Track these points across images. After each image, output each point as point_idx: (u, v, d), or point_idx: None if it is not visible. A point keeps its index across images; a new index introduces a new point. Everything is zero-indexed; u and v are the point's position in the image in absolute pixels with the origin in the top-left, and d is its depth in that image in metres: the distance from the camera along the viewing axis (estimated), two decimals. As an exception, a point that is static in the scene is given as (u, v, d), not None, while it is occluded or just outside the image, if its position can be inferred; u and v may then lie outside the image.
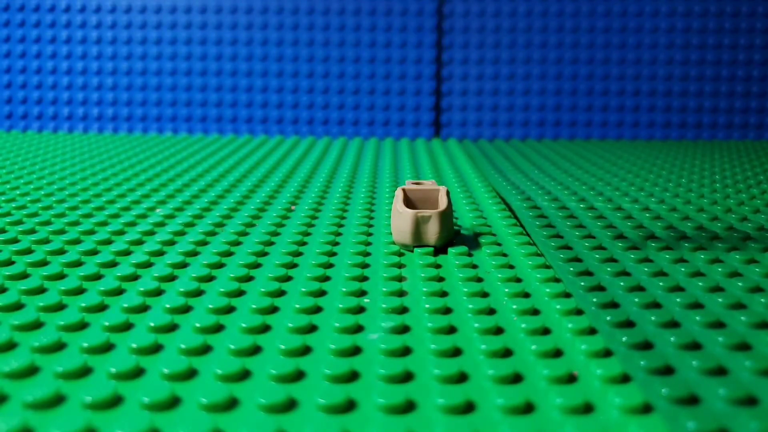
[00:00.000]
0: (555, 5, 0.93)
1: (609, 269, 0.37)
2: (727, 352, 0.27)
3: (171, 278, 0.36)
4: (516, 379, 0.25)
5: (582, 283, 0.35)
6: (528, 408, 0.23)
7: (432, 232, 0.40)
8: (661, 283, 0.35)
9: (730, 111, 0.94)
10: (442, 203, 0.42)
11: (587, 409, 0.23)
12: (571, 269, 0.37)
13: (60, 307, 0.31)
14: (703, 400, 0.24)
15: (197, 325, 0.29)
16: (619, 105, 0.94)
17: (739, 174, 0.68)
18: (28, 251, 0.40)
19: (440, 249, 0.41)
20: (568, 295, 0.33)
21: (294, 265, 0.38)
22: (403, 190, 0.43)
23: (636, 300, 0.32)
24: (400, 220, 0.40)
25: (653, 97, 0.94)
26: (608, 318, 0.30)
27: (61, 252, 0.40)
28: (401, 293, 0.34)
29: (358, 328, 0.30)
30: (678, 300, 0.32)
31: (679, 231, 0.45)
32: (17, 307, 0.31)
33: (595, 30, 0.93)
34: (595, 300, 0.32)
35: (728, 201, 0.56)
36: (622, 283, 0.35)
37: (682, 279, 0.36)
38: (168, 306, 0.31)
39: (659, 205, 0.53)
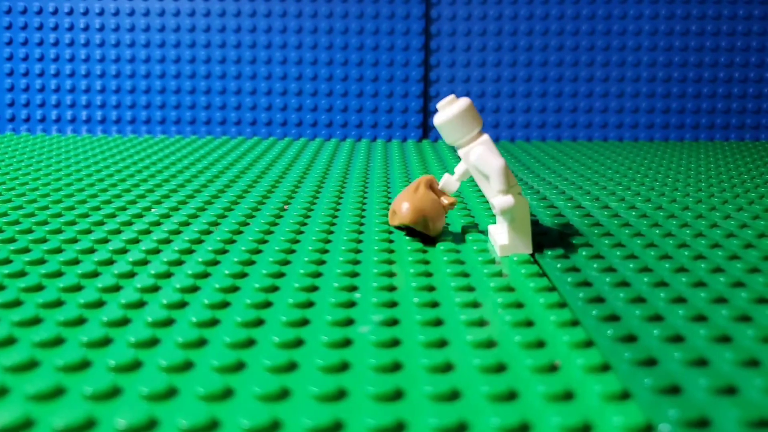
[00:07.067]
0: (540, 8, 0.94)
1: (608, 280, 0.36)
2: (735, 369, 0.27)
3: (167, 275, 0.36)
4: (500, 368, 0.26)
5: (571, 280, 0.35)
6: (511, 395, 0.24)
7: (405, 209, 0.41)
8: (662, 294, 0.34)
9: (741, 112, 0.95)
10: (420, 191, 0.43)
11: (568, 396, 0.24)
12: (558, 266, 0.38)
13: (59, 303, 0.32)
14: (713, 420, 0.23)
15: (193, 319, 0.30)
16: (619, 107, 0.94)
17: (745, 174, 0.68)
18: (25, 250, 0.40)
19: (430, 243, 0.42)
20: (552, 289, 0.34)
21: (287, 262, 0.39)
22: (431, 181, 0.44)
23: (637, 313, 0.31)
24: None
25: (652, 99, 0.94)
26: (609, 332, 0.29)
27: (58, 251, 0.40)
28: (391, 288, 0.35)
29: (350, 322, 0.31)
30: (681, 312, 0.32)
31: (679, 239, 0.44)
32: (16, 303, 0.32)
33: (596, 33, 0.94)
34: (595, 312, 0.32)
35: (726, 206, 0.54)
36: (622, 295, 0.34)
37: (684, 289, 0.35)
38: (165, 302, 0.32)
39: (656, 212, 0.51)
